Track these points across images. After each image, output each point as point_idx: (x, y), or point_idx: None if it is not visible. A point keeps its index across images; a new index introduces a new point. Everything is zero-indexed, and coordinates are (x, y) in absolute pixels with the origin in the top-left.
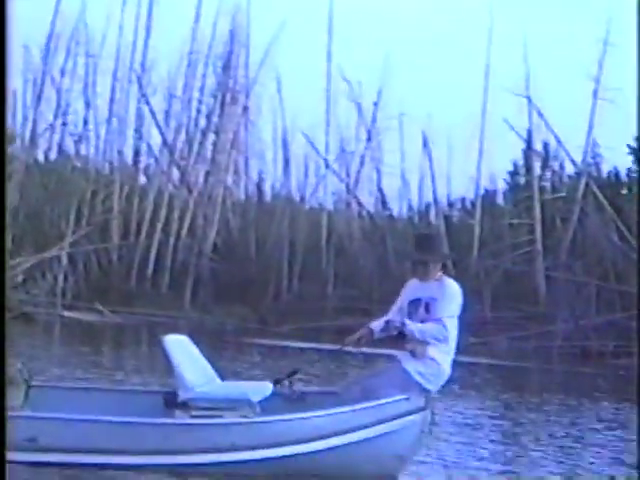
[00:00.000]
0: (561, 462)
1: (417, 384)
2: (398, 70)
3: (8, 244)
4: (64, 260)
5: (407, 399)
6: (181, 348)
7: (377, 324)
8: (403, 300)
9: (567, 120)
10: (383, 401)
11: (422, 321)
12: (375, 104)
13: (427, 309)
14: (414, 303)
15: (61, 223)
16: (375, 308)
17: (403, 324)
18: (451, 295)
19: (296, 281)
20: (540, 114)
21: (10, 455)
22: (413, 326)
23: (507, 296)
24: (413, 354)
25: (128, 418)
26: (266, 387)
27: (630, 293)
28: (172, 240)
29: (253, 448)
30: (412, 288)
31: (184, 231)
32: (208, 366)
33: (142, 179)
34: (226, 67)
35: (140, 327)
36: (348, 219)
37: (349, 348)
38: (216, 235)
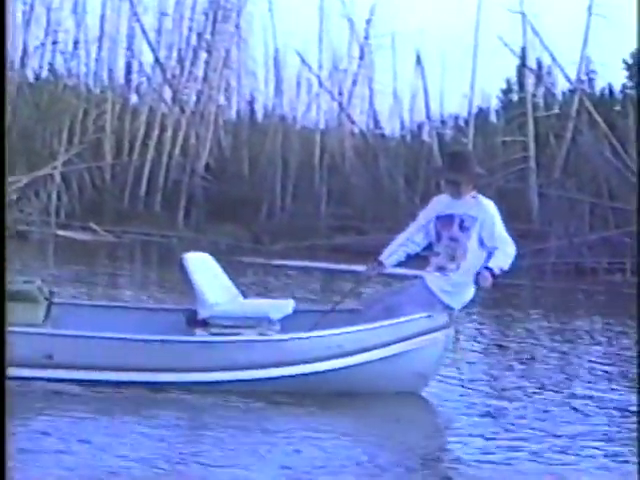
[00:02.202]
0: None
1: (440, 302)
2: None
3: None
4: (57, 179)
5: (429, 317)
6: (202, 266)
7: (389, 255)
8: (429, 215)
9: (561, 36)
10: (405, 319)
11: (454, 238)
12: (368, 21)
13: (461, 226)
14: (445, 219)
15: (53, 142)
16: (368, 227)
17: (492, 271)
18: (496, 214)
19: (289, 200)
20: (534, 30)
21: (27, 371)
22: (497, 263)
23: (500, 213)
24: (441, 269)
25: (144, 335)
26: (287, 305)
27: (623, 210)
28: (165, 159)
29: (271, 366)
30: (442, 203)
31: (177, 150)
32: (230, 284)
33: (134, 98)
34: None
35: (134, 246)
36: (341, 138)
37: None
38: (208, 154)
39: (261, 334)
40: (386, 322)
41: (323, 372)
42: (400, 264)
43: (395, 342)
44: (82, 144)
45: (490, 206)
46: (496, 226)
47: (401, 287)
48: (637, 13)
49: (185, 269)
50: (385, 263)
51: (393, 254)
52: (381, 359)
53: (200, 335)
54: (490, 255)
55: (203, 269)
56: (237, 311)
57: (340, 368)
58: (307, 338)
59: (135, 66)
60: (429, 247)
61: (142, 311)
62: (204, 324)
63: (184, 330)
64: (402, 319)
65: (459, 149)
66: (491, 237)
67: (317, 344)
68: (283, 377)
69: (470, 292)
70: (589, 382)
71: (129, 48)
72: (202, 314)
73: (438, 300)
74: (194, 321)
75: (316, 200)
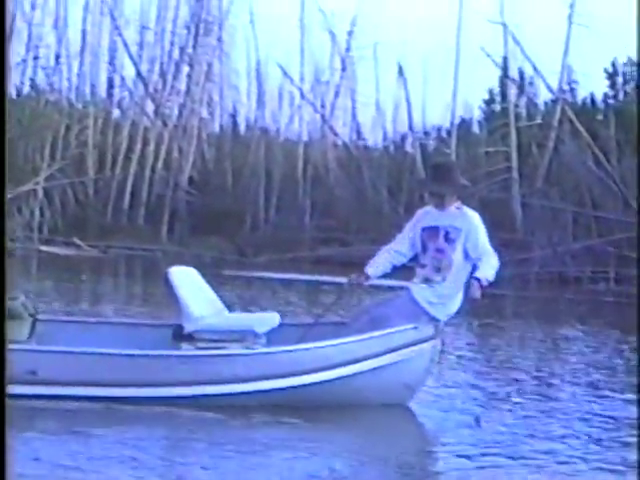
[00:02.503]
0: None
1: (426, 313)
2: None
3: None
4: (40, 194)
5: (416, 328)
6: (187, 280)
7: (375, 267)
8: (415, 227)
9: (542, 46)
10: (391, 330)
11: (440, 249)
12: (349, 33)
13: (447, 237)
14: (430, 230)
15: (36, 157)
16: (352, 238)
17: (480, 282)
18: (481, 225)
19: (273, 212)
20: (516, 41)
21: (10, 388)
22: (484, 274)
23: (484, 223)
24: (428, 281)
25: (129, 350)
26: (273, 318)
27: (606, 219)
28: (148, 173)
29: (257, 379)
30: (428, 215)
31: (159, 164)
32: (216, 298)
33: (116, 112)
34: None
35: (118, 260)
36: (324, 149)
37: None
38: (192, 167)
39: (247, 348)
40: (372, 334)
41: (309, 385)
42: (385, 275)
43: (382, 354)
44: (64, 159)
45: (475, 217)
46: (480, 237)
47: (387, 299)
48: (637, 14)
49: (170, 283)
50: (370, 274)
51: (378, 265)
52: (368, 371)
53: (186, 349)
54: (475, 267)
55: (188, 283)
56: (223, 325)
57: (327, 380)
58: (293, 351)
59: (117, 80)
60: (415, 258)
61: (128, 326)
62: (190, 338)
63: (170, 345)
64: (388, 330)
65: (442, 161)
66: (475, 248)
67: (303, 357)
68: (269, 390)
69: (456, 304)
70: (572, 390)
71: (111, 62)
72: (187, 328)
73: (424, 311)
74: (180, 335)
75: (300, 212)
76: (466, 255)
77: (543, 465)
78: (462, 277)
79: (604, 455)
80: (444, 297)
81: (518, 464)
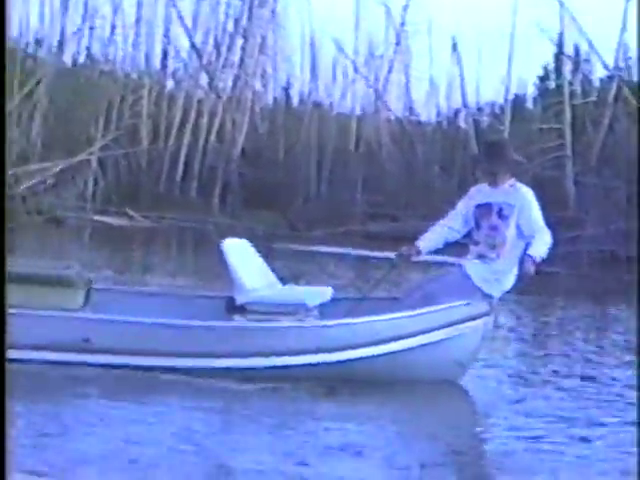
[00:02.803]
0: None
1: (479, 290)
2: None
3: (38, 148)
4: (94, 164)
5: (468, 304)
6: (240, 252)
7: (426, 241)
8: (468, 204)
9: (599, 23)
10: (443, 306)
11: (494, 226)
12: (404, 7)
13: (500, 214)
14: (484, 207)
15: (90, 127)
16: (403, 214)
17: (533, 259)
18: (534, 201)
19: (324, 186)
20: (572, 17)
21: (64, 355)
22: (537, 251)
23: (537, 201)
24: (482, 257)
25: (181, 320)
26: (326, 292)
27: None
28: (201, 145)
29: (308, 353)
30: (481, 192)
31: (212, 136)
32: (268, 270)
33: (170, 83)
34: None
35: (170, 232)
36: (376, 124)
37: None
38: (244, 140)
39: (299, 320)
40: (425, 309)
41: (361, 359)
42: (437, 251)
43: (433, 330)
44: (118, 130)
45: (528, 194)
46: (533, 214)
47: (440, 275)
48: (637, 13)
49: (223, 255)
50: (421, 248)
51: (430, 240)
52: (419, 347)
53: (238, 321)
54: (528, 244)
55: (241, 255)
56: (275, 298)
57: (378, 355)
58: (345, 325)
59: (172, 52)
60: (468, 236)
61: (181, 297)
62: (242, 310)
63: (223, 316)
64: (441, 306)
65: (495, 138)
66: (528, 224)
67: (355, 331)
68: (319, 364)
69: (510, 280)
70: (617, 373)
71: (165, 34)
72: (240, 300)
73: (477, 288)
74: (232, 307)
75: (351, 187)
76: (520, 232)
77: (584, 451)
78: (516, 254)
79: None
80: (498, 273)
81: (563, 448)
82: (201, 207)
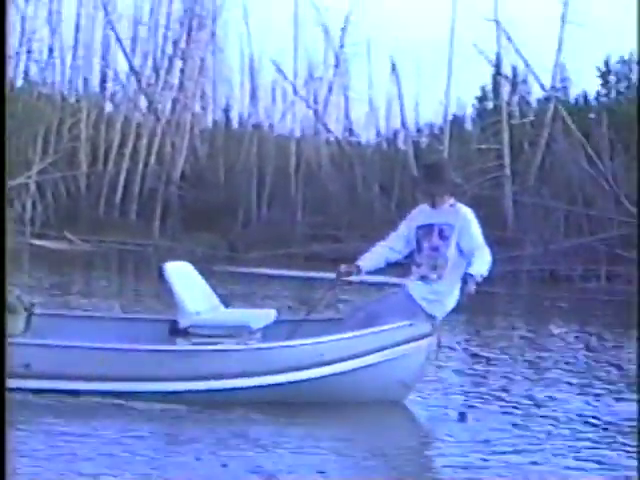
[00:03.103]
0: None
1: (422, 310)
2: None
3: None
4: (32, 188)
5: (411, 325)
6: (183, 275)
7: (367, 260)
8: (410, 225)
9: (536, 44)
10: (387, 327)
11: (435, 247)
12: (343, 29)
13: (441, 235)
14: (425, 228)
15: (28, 151)
16: (344, 234)
17: (474, 278)
18: (474, 220)
19: (265, 208)
20: (509, 38)
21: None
22: (477, 270)
23: (476, 220)
24: (424, 278)
25: (122, 345)
26: (269, 314)
27: (598, 217)
28: (140, 167)
29: (251, 375)
30: (422, 213)
31: (152, 158)
32: (211, 293)
33: (109, 106)
34: None
35: (110, 255)
36: (316, 146)
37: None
38: (184, 162)
39: (241, 343)
40: (368, 330)
41: (304, 381)
42: (378, 271)
43: (377, 350)
44: (57, 153)
45: (468, 213)
46: (473, 232)
47: (383, 295)
48: (637, 12)
49: (165, 278)
50: (361, 267)
51: (371, 259)
52: (363, 367)
53: (181, 344)
54: (469, 263)
55: (183, 278)
56: (218, 320)
57: (321, 377)
58: (287, 347)
59: (110, 75)
60: (409, 257)
61: (124, 321)
62: (185, 333)
63: (166, 340)
64: (384, 327)
65: (433, 160)
66: (469, 243)
67: (297, 353)
68: (263, 386)
69: (452, 301)
70: (561, 389)
71: (104, 57)
72: (183, 323)
73: (420, 308)
74: (176, 330)
75: (292, 208)
76: (460, 252)
77: (533, 466)
78: (458, 274)
79: (592, 454)
80: (440, 294)
81: (509, 462)
82: (141, 230)
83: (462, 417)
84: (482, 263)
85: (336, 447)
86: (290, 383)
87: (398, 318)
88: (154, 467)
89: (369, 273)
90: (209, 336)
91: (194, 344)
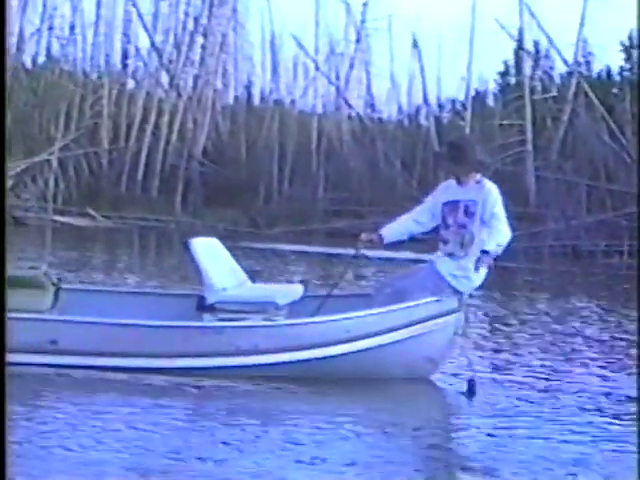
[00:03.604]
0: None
1: (450, 286)
2: None
3: None
4: (54, 165)
5: (439, 301)
6: (209, 251)
7: (390, 229)
8: (437, 200)
9: (558, 18)
10: (414, 303)
11: (461, 224)
12: (364, 4)
13: (466, 212)
14: (451, 205)
15: (50, 127)
16: (365, 210)
17: (487, 253)
18: (498, 197)
19: (286, 184)
20: (531, 13)
21: (31, 357)
22: (493, 246)
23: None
24: (451, 255)
25: (148, 321)
26: (296, 290)
27: (620, 192)
28: (162, 144)
29: (277, 351)
30: (448, 190)
31: (174, 135)
32: (239, 269)
33: (131, 83)
34: None
35: (132, 231)
36: (338, 122)
37: (364, 252)
38: (206, 139)
39: (268, 319)
40: (396, 306)
41: (331, 357)
42: (401, 242)
43: (404, 326)
44: (79, 130)
45: (492, 189)
46: (495, 206)
47: (410, 271)
48: (637, 13)
49: (192, 254)
50: (384, 235)
51: (395, 229)
52: (390, 343)
53: (208, 320)
54: (487, 235)
55: (210, 254)
56: (244, 296)
57: (348, 353)
58: (313, 323)
59: (132, 51)
60: (435, 231)
61: (151, 296)
62: (212, 309)
63: (193, 315)
64: (411, 303)
65: (457, 140)
66: (490, 216)
67: (324, 329)
68: (290, 362)
69: (479, 277)
70: (585, 367)
71: (125, 33)
72: (210, 299)
73: (447, 284)
74: (203, 306)
75: (313, 184)
76: (482, 222)
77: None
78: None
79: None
80: (467, 270)
81: (534, 435)
82: (163, 206)
83: (470, 388)
84: (499, 237)
85: (360, 423)
86: (316, 359)
87: (425, 294)
88: (184, 440)
89: (391, 244)
90: (236, 312)
91: (221, 320)
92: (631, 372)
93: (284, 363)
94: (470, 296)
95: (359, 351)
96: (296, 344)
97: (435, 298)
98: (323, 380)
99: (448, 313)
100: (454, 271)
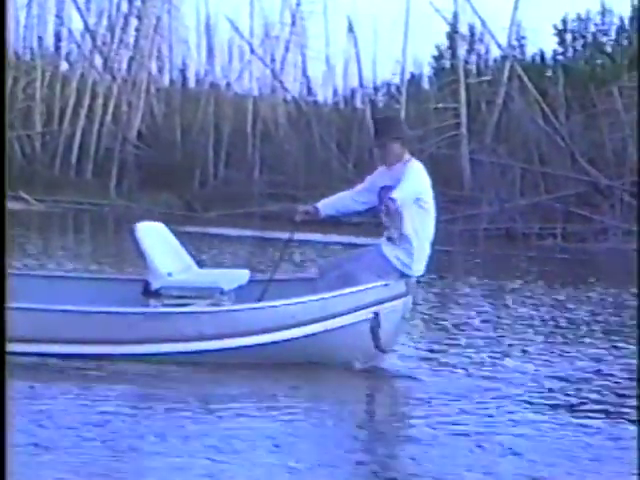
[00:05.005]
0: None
1: (396, 270)
2: None
3: None
4: None
5: (386, 285)
6: (155, 236)
7: (326, 203)
8: (375, 183)
9: (492, 2)
10: (362, 287)
11: (396, 208)
12: None
13: None
14: (386, 189)
15: None
16: (301, 194)
17: (393, 199)
18: (411, 174)
19: (222, 167)
20: None
21: None
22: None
23: (432, 180)
24: (391, 240)
25: (90, 307)
26: (242, 275)
27: (554, 175)
28: (96, 127)
29: (222, 337)
30: (382, 175)
31: (108, 118)
32: (185, 254)
33: (64, 65)
34: None
35: (66, 215)
36: (273, 105)
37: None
38: (140, 122)
39: (213, 305)
40: (342, 291)
41: (276, 342)
42: (337, 217)
43: (351, 311)
44: (11, 112)
45: (414, 166)
46: (402, 185)
47: (357, 254)
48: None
49: (136, 239)
50: (320, 209)
51: (332, 203)
52: (336, 329)
53: (153, 306)
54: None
55: (156, 239)
56: (190, 281)
57: (293, 338)
58: (257, 308)
59: (65, 33)
60: (371, 212)
61: (96, 281)
62: (157, 295)
63: (139, 301)
64: (359, 287)
65: (384, 114)
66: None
67: (268, 314)
68: (234, 348)
69: (424, 257)
70: (524, 351)
71: (58, 15)
72: (155, 284)
73: (394, 267)
74: (148, 292)
75: (249, 167)
76: (419, 205)
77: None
78: (417, 228)
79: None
80: (409, 252)
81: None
82: (97, 189)
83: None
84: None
85: (305, 410)
86: (261, 345)
87: (372, 277)
88: (129, 427)
89: (328, 216)
90: (182, 297)
91: (165, 305)
92: (559, 352)
93: (229, 349)
94: (418, 282)
95: (305, 336)
96: (241, 330)
97: (383, 282)
98: (269, 366)
99: (396, 298)
100: (399, 254)
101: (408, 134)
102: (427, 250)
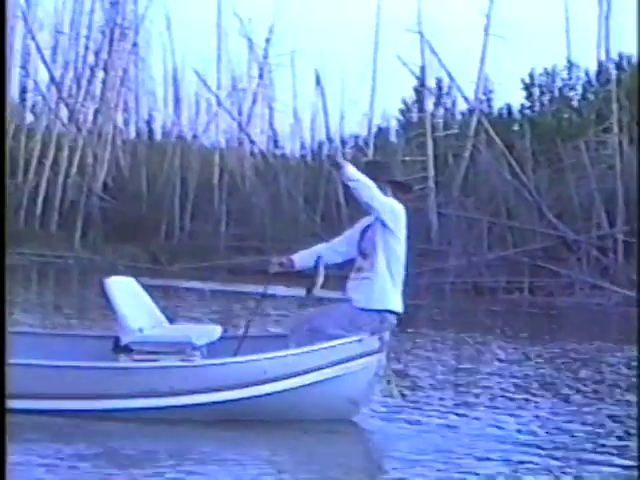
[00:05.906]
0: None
1: (376, 315)
2: (289, 5)
3: None
4: None
5: (360, 341)
6: (125, 291)
7: (301, 255)
8: (355, 230)
9: (459, 56)
10: (334, 343)
11: (371, 244)
12: (267, 40)
13: (372, 230)
14: (365, 230)
15: None
16: (268, 246)
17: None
18: (391, 209)
19: (188, 220)
20: (432, 50)
21: None
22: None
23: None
24: (359, 270)
25: (60, 362)
26: (214, 330)
27: (521, 229)
28: (61, 179)
29: (193, 392)
30: (360, 224)
31: (73, 170)
32: (156, 309)
33: (29, 117)
34: (114, 2)
35: (30, 267)
36: (240, 157)
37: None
38: (106, 174)
39: (184, 360)
40: (314, 347)
41: (247, 398)
42: (314, 269)
43: (323, 367)
44: None
45: (389, 203)
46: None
47: (328, 308)
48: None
49: (107, 294)
50: (294, 260)
51: (306, 255)
52: (309, 385)
53: (123, 361)
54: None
55: (126, 294)
56: (161, 336)
57: (265, 394)
58: (228, 364)
59: (30, 85)
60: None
61: (67, 337)
62: (128, 350)
63: (109, 357)
64: (332, 343)
65: (372, 159)
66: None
67: (239, 370)
68: (205, 404)
69: (397, 290)
70: (490, 401)
71: (24, 67)
72: (125, 340)
73: (371, 315)
74: (118, 347)
75: (215, 220)
76: (386, 242)
77: None
78: (393, 268)
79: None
80: (381, 288)
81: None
82: (62, 242)
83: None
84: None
85: (280, 468)
86: (232, 401)
87: (342, 332)
88: None
89: (303, 268)
90: (152, 353)
91: (136, 361)
92: (521, 408)
93: (200, 405)
94: (399, 320)
95: (277, 392)
96: (212, 385)
97: (356, 338)
98: (241, 422)
99: (369, 354)
100: (370, 295)
101: (397, 180)
102: (400, 286)
